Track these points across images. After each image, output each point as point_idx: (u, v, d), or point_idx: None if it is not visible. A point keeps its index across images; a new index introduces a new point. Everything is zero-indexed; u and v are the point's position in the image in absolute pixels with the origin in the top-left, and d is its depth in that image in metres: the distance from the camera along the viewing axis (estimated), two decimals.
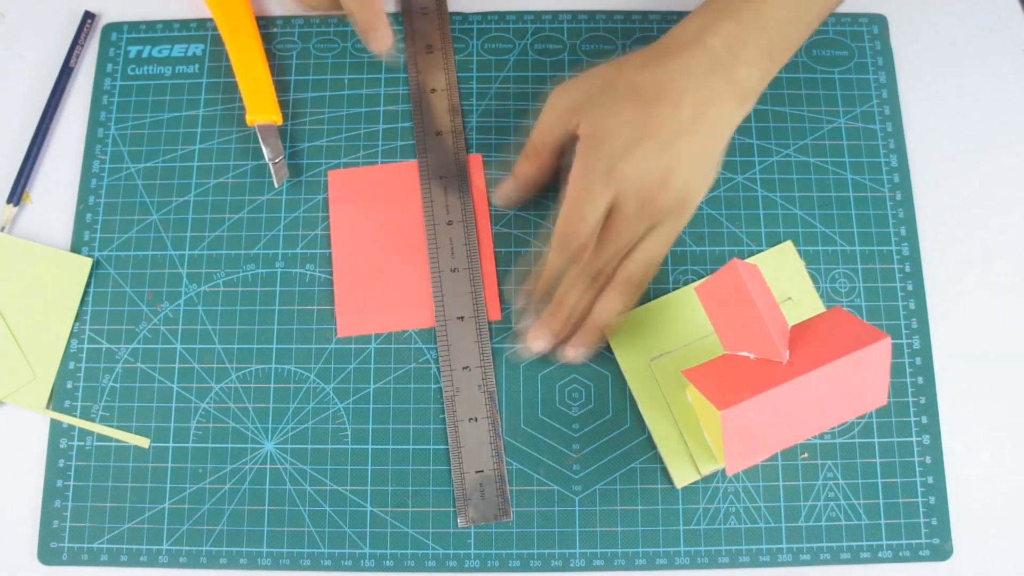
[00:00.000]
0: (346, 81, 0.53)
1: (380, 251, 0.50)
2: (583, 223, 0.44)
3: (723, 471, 0.47)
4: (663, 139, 0.43)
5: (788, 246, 0.50)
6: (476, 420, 0.47)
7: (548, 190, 0.50)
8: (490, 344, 0.49)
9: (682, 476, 0.46)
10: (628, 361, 0.48)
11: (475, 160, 0.51)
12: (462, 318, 0.48)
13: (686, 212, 0.45)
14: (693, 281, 0.50)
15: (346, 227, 0.50)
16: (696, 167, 0.44)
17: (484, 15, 0.55)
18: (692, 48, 0.44)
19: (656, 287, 0.49)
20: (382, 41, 0.51)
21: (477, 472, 0.46)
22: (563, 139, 0.46)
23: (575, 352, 0.47)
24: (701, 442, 0.46)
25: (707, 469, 0.46)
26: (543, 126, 0.47)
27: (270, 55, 0.54)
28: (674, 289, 0.49)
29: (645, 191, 0.43)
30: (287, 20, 0.55)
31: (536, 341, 0.47)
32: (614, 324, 0.47)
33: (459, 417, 0.47)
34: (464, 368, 0.48)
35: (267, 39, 0.54)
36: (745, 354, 0.41)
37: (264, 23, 0.55)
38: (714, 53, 0.44)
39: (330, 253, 0.50)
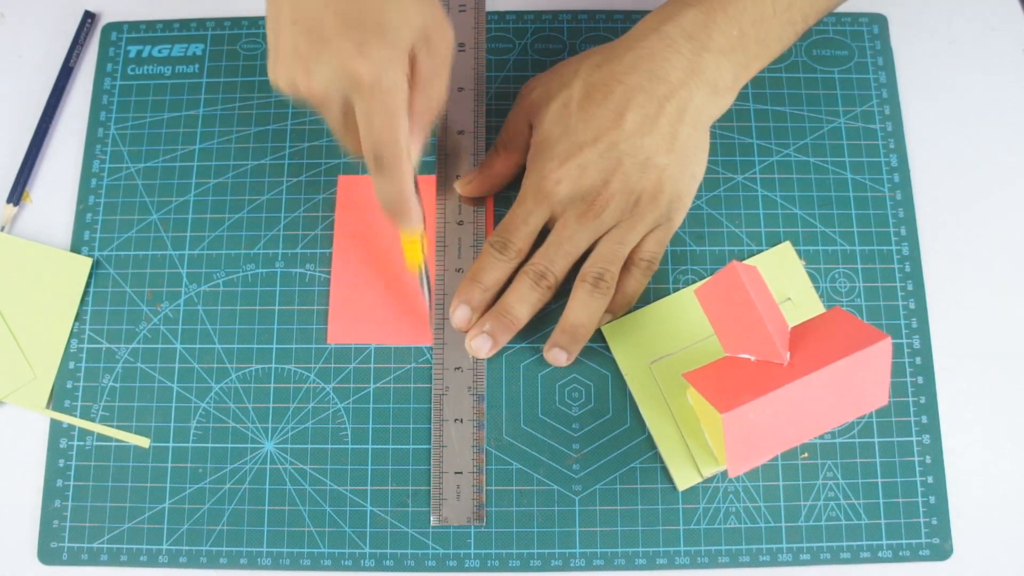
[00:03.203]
0: None
1: (379, 262, 0.50)
2: (512, 223, 0.46)
3: (724, 472, 0.47)
4: (603, 146, 0.43)
5: (786, 246, 0.50)
6: (461, 422, 0.47)
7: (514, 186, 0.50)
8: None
9: (684, 479, 0.46)
10: (628, 364, 0.48)
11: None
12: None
13: (648, 211, 0.45)
14: (693, 281, 0.50)
15: (349, 234, 0.50)
16: (648, 167, 0.44)
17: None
18: (648, 38, 0.43)
19: (656, 288, 0.49)
20: (412, 223, 0.45)
21: (456, 473, 0.47)
22: (528, 133, 0.47)
23: (555, 354, 0.46)
24: (702, 444, 0.46)
25: (709, 471, 0.46)
26: (510, 121, 0.48)
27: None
28: (674, 289, 0.49)
29: (584, 196, 0.44)
30: None
31: (475, 339, 0.46)
32: (592, 328, 0.46)
33: (445, 417, 0.47)
34: (456, 368, 0.48)
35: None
36: (746, 356, 0.41)
37: (264, 23, 0.55)
38: (671, 41, 0.43)
39: (331, 254, 0.50)
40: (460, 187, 0.50)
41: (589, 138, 0.44)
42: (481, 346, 0.46)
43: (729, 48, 0.44)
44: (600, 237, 0.46)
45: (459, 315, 0.46)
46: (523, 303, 0.46)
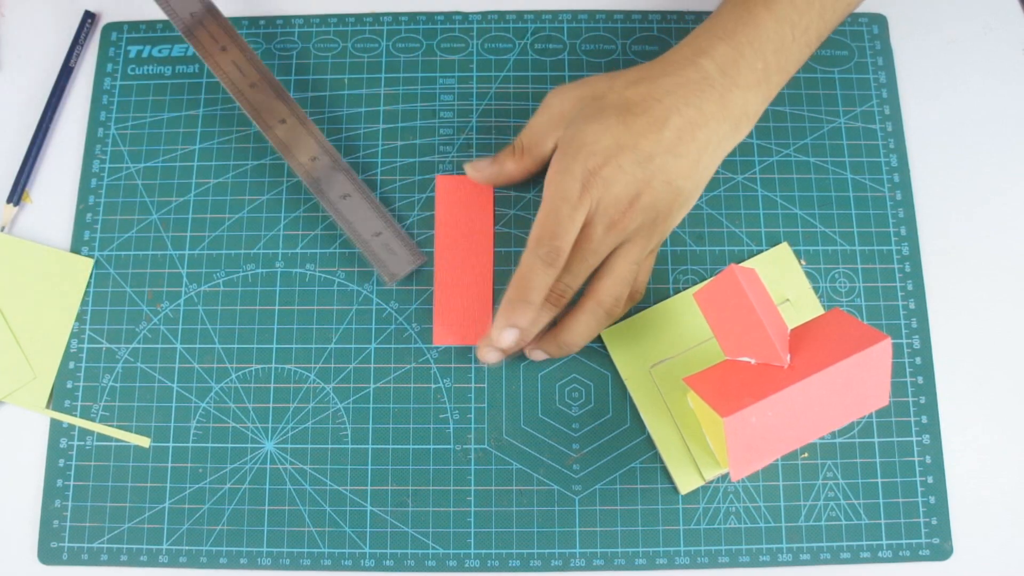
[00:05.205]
0: (346, 81, 0.53)
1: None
2: (560, 226, 0.43)
3: (726, 475, 0.47)
4: (641, 155, 0.43)
5: (784, 247, 0.50)
6: (349, 196, 0.49)
7: (527, 185, 0.51)
8: (321, 133, 0.50)
9: (686, 482, 0.46)
10: (628, 368, 0.48)
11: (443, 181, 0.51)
12: (284, 121, 0.50)
13: (655, 233, 0.45)
14: (693, 281, 0.50)
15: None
16: (671, 189, 0.44)
17: (484, 15, 0.55)
18: (685, 69, 0.44)
19: (656, 288, 0.49)
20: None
21: (376, 235, 0.48)
22: (551, 143, 0.47)
23: (538, 354, 0.47)
24: (704, 447, 0.46)
25: (711, 474, 0.46)
26: (534, 127, 0.47)
27: (270, 55, 0.54)
28: (674, 290, 0.49)
29: (616, 204, 0.43)
30: (287, 20, 0.55)
31: (503, 334, 0.44)
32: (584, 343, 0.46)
33: (332, 199, 0.49)
34: (313, 159, 0.49)
35: (267, 39, 0.54)
36: (746, 359, 0.41)
37: (264, 23, 0.55)
38: (707, 75, 0.43)
39: (334, 252, 0.50)
40: (468, 169, 0.50)
41: (629, 142, 0.43)
42: (537, 357, 0.47)
43: (755, 83, 0.44)
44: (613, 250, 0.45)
45: (507, 338, 0.44)
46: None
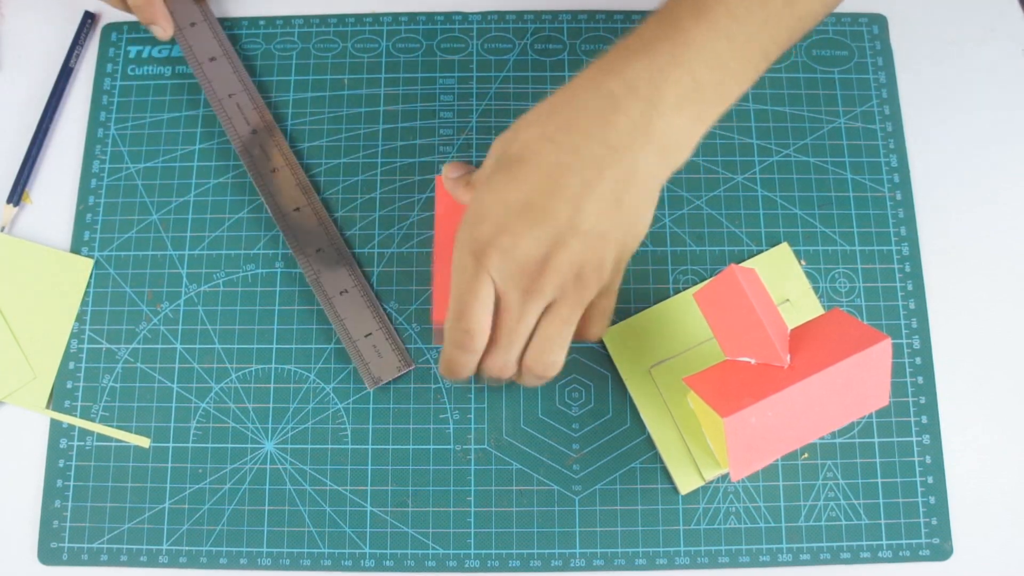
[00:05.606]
0: (346, 81, 0.53)
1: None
2: (462, 305, 0.39)
3: (726, 475, 0.47)
4: (537, 214, 0.37)
5: (784, 248, 0.50)
6: (347, 292, 0.49)
7: None
8: (332, 223, 0.50)
9: (686, 482, 0.46)
10: (628, 369, 0.48)
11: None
12: (298, 209, 0.50)
13: (587, 286, 0.38)
14: (693, 281, 0.50)
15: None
16: (591, 240, 0.37)
17: (484, 15, 0.55)
18: (585, 94, 0.38)
19: (655, 288, 0.49)
20: (164, 30, 0.53)
21: (367, 336, 0.48)
22: None
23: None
24: (704, 448, 0.46)
25: (711, 475, 0.46)
26: (480, 173, 0.42)
27: (270, 55, 0.54)
28: (674, 290, 0.49)
29: (522, 271, 0.37)
30: (287, 20, 0.55)
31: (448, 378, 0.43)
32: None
33: (330, 294, 0.49)
34: (318, 251, 0.49)
35: (267, 39, 0.54)
36: (746, 359, 0.41)
37: (264, 23, 0.55)
38: (613, 101, 0.37)
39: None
40: (445, 171, 0.44)
41: (520, 202, 0.37)
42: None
43: (683, 102, 0.38)
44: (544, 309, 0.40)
45: (450, 380, 0.43)
46: (536, 386, 0.45)
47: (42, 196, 0.52)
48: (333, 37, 0.54)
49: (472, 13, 0.55)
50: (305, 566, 0.46)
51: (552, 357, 0.40)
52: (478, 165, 0.51)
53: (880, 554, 0.46)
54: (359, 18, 0.55)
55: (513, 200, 0.37)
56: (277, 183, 0.50)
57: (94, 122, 0.53)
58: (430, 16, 0.55)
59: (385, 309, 0.49)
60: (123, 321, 0.50)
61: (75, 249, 0.51)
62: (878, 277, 0.50)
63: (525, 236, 0.37)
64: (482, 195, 0.39)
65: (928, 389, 0.48)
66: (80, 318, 0.50)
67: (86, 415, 0.48)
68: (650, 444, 0.47)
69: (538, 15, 0.55)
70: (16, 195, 0.52)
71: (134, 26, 0.55)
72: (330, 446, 0.48)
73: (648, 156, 0.37)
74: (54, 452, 0.48)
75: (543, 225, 0.37)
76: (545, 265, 0.37)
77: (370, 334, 0.48)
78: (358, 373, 0.48)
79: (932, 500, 0.47)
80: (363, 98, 0.53)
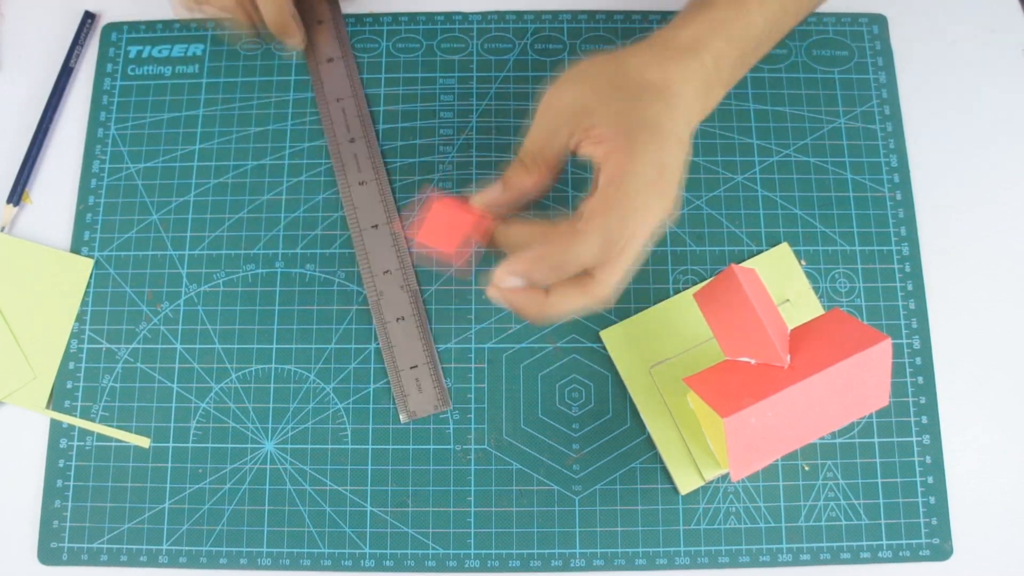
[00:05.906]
0: None
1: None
2: (569, 256, 0.38)
3: (726, 475, 0.47)
4: (667, 181, 0.39)
5: (784, 248, 0.50)
6: (403, 319, 0.48)
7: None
8: (406, 248, 0.50)
9: (686, 483, 0.46)
10: (628, 369, 0.48)
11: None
12: (376, 226, 0.50)
13: (619, 262, 0.39)
14: (693, 281, 0.50)
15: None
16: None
17: (484, 15, 0.55)
18: (689, 59, 0.41)
19: (656, 288, 0.49)
20: (299, 41, 0.53)
21: (412, 368, 0.48)
22: (567, 144, 0.40)
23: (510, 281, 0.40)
24: (704, 448, 0.46)
25: (711, 475, 0.46)
26: (541, 131, 0.41)
27: (270, 55, 0.54)
28: (674, 290, 0.49)
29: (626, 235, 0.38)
30: None
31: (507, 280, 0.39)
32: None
33: (386, 318, 0.48)
34: (385, 272, 0.49)
35: (267, 39, 0.54)
36: (746, 359, 0.41)
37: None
38: (706, 71, 0.41)
39: (334, 253, 0.50)
40: (477, 201, 0.42)
41: (659, 169, 0.39)
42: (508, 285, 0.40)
43: (729, 80, 0.43)
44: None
45: (510, 284, 0.39)
46: (567, 314, 0.41)
47: (42, 196, 0.52)
48: None
49: (472, 13, 0.55)
50: (305, 566, 0.46)
51: (567, 310, 0.40)
52: (478, 165, 0.51)
53: (880, 554, 0.46)
54: (359, 18, 0.55)
55: (658, 161, 0.39)
56: (362, 196, 0.50)
57: (94, 122, 0.53)
58: (430, 16, 0.55)
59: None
60: (123, 321, 0.50)
61: (75, 249, 0.51)
62: (878, 277, 0.50)
63: (656, 201, 0.39)
64: (632, 163, 0.38)
65: (928, 389, 0.48)
66: (80, 318, 0.50)
67: (86, 415, 0.48)
68: (650, 444, 0.47)
69: (538, 15, 0.55)
70: (16, 195, 0.52)
71: (134, 26, 0.55)
72: (330, 446, 0.48)
73: (695, 122, 0.42)
74: (54, 452, 0.48)
75: (665, 189, 0.39)
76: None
77: (416, 366, 0.48)
78: (358, 373, 0.48)
79: (932, 500, 0.47)
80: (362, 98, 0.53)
